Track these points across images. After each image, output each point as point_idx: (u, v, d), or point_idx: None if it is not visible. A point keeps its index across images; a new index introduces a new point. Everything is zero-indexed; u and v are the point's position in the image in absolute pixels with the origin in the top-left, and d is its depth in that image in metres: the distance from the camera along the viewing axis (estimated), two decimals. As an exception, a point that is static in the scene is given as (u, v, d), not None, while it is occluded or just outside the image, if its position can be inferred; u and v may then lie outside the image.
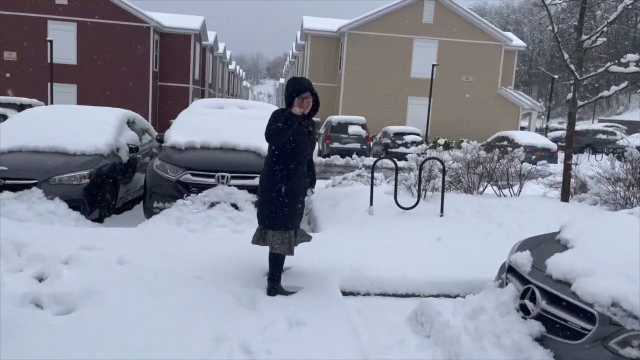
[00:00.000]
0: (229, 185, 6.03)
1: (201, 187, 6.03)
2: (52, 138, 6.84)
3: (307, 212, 8.03)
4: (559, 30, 7.19)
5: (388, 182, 10.01)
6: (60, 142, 6.77)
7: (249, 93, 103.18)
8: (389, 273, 4.64)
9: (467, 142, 8.76)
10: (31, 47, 27.22)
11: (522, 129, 32.36)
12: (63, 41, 27.23)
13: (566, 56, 7.40)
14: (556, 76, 31.23)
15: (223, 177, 6.06)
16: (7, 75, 27.43)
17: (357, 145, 20.19)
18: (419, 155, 8.24)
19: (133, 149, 7.62)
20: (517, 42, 31.80)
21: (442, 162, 7.49)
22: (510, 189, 8.72)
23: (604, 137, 29.53)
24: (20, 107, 17.98)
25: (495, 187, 8.73)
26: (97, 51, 27.93)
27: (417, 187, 8.10)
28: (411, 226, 6.73)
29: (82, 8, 27.55)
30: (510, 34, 31.82)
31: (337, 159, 19.20)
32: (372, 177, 7.49)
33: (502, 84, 30.11)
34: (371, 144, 21.44)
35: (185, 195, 5.97)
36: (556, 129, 35.76)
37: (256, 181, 5.97)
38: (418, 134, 21.31)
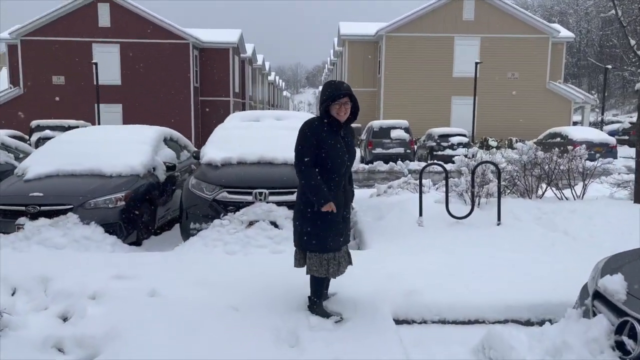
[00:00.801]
0: (267, 202, 5.68)
1: (239, 206, 5.70)
2: (88, 160, 6.70)
3: (352, 226, 7.59)
4: (622, 15, 6.49)
5: (437, 188, 9.44)
6: (97, 165, 6.62)
7: (289, 103, 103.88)
8: (446, 296, 4.13)
9: (522, 142, 8.09)
10: (78, 71, 28.08)
11: (575, 124, 30.79)
12: (107, 63, 27.98)
13: (633, 42, 6.67)
14: (609, 66, 29.53)
15: (261, 193, 5.71)
16: (57, 98, 28.40)
17: (401, 150, 19.58)
18: (469, 158, 7.65)
19: (170, 167, 7.40)
20: (564, 33, 30.34)
21: (496, 166, 6.88)
22: (573, 191, 7.98)
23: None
24: (68, 129, 18.41)
25: (555, 190, 8.02)
26: (140, 70, 28.54)
27: (469, 194, 7.52)
28: (466, 238, 6.16)
29: (124, 29, 28.24)
30: (556, 25, 30.41)
31: (380, 165, 18.66)
32: (420, 185, 6.97)
33: (551, 77, 28.74)
34: (415, 147, 20.77)
35: (222, 214, 5.66)
36: (611, 122, 33.82)
37: (295, 196, 5.61)
38: (464, 135, 20.49)
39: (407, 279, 4.45)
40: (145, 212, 6.66)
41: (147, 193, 6.73)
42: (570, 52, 64.38)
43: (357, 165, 19.17)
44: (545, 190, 7.93)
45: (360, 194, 9.95)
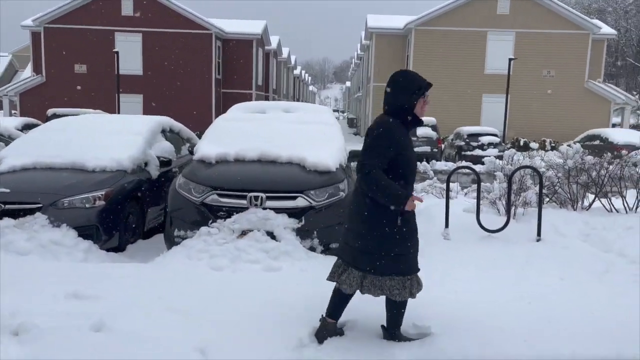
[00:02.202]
0: (264, 208, 4.80)
1: (231, 211, 4.85)
2: (71, 152, 5.94)
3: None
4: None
5: (466, 194, 8.43)
6: (79, 157, 5.85)
7: (315, 98, 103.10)
8: (477, 343, 3.19)
9: (568, 145, 7.04)
10: (100, 60, 27.71)
11: (614, 126, 29.09)
12: (129, 52, 27.52)
13: None
14: (653, 65, 27.71)
15: (257, 197, 4.83)
16: (78, 87, 28.10)
17: (427, 149, 18.51)
18: (506, 161, 6.65)
19: (165, 162, 6.61)
20: (605, 29, 28.61)
21: (538, 172, 5.87)
22: (625, 202, 6.89)
23: None
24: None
25: (604, 201, 6.94)
26: (161, 60, 28.01)
27: (504, 203, 6.52)
28: (501, 257, 5.20)
29: (147, 18, 27.74)
30: (597, 21, 28.70)
31: (405, 165, 17.61)
32: (448, 192, 6.00)
33: (590, 76, 27.12)
34: (443, 146, 19.66)
35: (210, 221, 4.81)
36: (652, 125, 31.92)
37: (299, 202, 4.72)
38: (496, 135, 19.29)
39: (424, 314, 3.53)
40: (132, 212, 5.88)
41: (135, 191, 5.94)
42: (608, 51, 61.68)
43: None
44: (594, 201, 6.86)
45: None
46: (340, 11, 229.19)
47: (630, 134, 19.58)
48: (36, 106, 26.68)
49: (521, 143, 25.93)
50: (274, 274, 4.30)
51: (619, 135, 18.82)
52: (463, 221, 6.31)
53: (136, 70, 28.13)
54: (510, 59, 23.36)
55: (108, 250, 5.33)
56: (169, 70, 28.07)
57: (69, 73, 28.06)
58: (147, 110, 27.27)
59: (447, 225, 5.96)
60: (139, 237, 6.06)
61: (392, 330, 3.23)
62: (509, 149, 9.63)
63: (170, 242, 4.95)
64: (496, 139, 18.92)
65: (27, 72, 31.03)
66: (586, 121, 25.18)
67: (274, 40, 37.09)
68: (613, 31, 30.22)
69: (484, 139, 18.73)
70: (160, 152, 6.75)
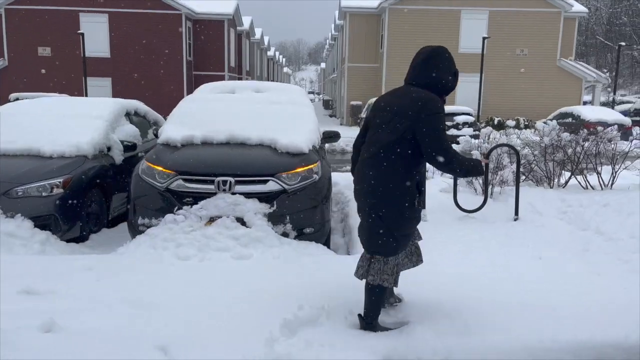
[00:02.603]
0: (233, 193, 4.56)
1: (198, 197, 4.59)
2: (26, 138, 5.57)
3: (341, 219, 6.50)
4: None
5: (442, 173, 8.31)
6: (35, 143, 5.49)
7: (290, 79, 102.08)
8: (478, 332, 3.03)
9: (544, 122, 6.94)
10: (64, 42, 26.70)
11: (585, 103, 29.44)
12: (96, 34, 26.54)
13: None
14: (623, 43, 28.06)
15: (225, 182, 4.58)
16: (43, 71, 27.07)
17: (403, 129, 18.36)
18: (484, 140, 6.52)
19: (130, 147, 6.28)
20: (577, 7, 28.75)
21: (516, 151, 5.75)
22: (600, 178, 6.85)
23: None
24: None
25: (579, 178, 6.89)
26: (130, 42, 27.13)
27: (481, 182, 6.41)
28: (479, 237, 5.07)
29: (113, -2, 26.79)
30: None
31: (380, 145, 17.49)
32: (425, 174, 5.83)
33: (562, 54, 27.29)
34: (418, 127, 19.55)
35: (176, 208, 4.54)
36: (622, 102, 32.41)
37: (270, 186, 4.49)
38: (470, 114, 19.24)
39: (405, 306, 3.37)
40: (94, 200, 5.57)
41: (97, 177, 5.61)
42: (578, 30, 62.26)
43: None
44: (570, 179, 6.80)
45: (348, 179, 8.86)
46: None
47: (601, 111, 19.80)
48: (-1, 91, 25.66)
49: (495, 122, 26.07)
50: (244, 262, 4.09)
51: (591, 113, 19.01)
52: (440, 202, 6.19)
53: (103, 52, 27.21)
54: (484, 38, 23.30)
55: (69, 241, 5.04)
56: (137, 52, 27.23)
57: (33, 56, 26.99)
58: (116, 94, 26.43)
59: (423, 207, 5.80)
60: (102, 226, 5.75)
61: (370, 320, 3.05)
62: (484, 127, 9.64)
63: (134, 231, 4.67)
64: (471, 118, 18.88)
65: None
66: (559, 99, 25.40)
67: (246, 21, 36.30)
68: (584, 9, 30.42)
69: (459, 119, 18.67)
70: (125, 136, 6.41)
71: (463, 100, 25.84)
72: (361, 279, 3.03)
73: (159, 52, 27.31)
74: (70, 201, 5.07)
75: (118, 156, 6.11)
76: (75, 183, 5.21)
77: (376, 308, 3.02)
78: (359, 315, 3.08)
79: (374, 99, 19.74)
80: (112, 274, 3.79)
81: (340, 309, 3.20)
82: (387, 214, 2.85)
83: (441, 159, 2.77)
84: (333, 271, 3.98)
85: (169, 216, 4.46)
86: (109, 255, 4.28)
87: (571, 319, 3.17)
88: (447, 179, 7.13)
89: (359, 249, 4.72)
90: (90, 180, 5.46)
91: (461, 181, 6.46)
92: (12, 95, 19.31)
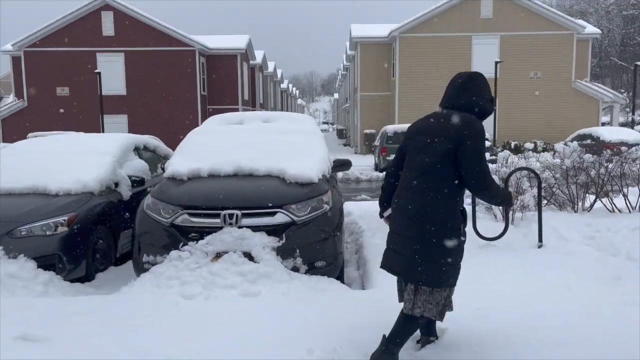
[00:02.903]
0: (240, 227, 4.37)
1: (204, 232, 4.41)
2: (32, 176, 5.49)
3: (355, 251, 6.25)
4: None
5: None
6: (41, 181, 5.40)
7: (304, 111, 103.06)
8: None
9: (564, 144, 6.68)
10: (82, 81, 27.28)
11: (603, 124, 28.96)
12: (112, 72, 27.12)
13: None
14: (639, 63, 27.72)
15: (231, 215, 4.40)
16: (61, 110, 27.62)
17: (419, 156, 18.11)
18: (501, 164, 6.27)
19: (138, 182, 6.17)
20: (590, 29, 28.61)
21: (536, 174, 5.49)
22: (627, 201, 6.52)
23: None
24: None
25: (605, 200, 6.57)
26: (145, 79, 27.64)
27: (501, 208, 6.13)
28: (502, 267, 4.78)
29: (129, 38, 27.39)
30: (581, 22, 28.71)
31: (395, 173, 17.23)
32: (440, 200, 5.58)
33: (577, 76, 27.01)
34: (433, 153, 19.29)
35: (181, 244, 4.36)
36: (641, 123, 31.84)
37: (278, 218, 4.30)
38: (487, 139, 18.97)
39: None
40: (100, 238, 5.42)
41: (104, 214, 5.49)
42: (592, 52, 61.90)
43: (370, 173, 17.82)
44: (595, 202, 6.49)
45: (372, 208, 8.61)
46: (324, 25, 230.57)
47: (621, 131, 19.36)
48: (18, 131, 26.12)
49: (512, 146, 25.72)
50: (251, 300, 3.86)
51: (610, 134, 18.59)
52: (458, 230, 5.91)
53: (119, 90, 27.71)
54: (496, 62, 23.21)
55: (74, 280, 4.87)
56: (153, 88, 27.68)
57: (51, 96, 27.59)
58: (133, 130, 26.78)
59: (441, 235, 5.55)
60: (110, 264, 5.59)
61: (392, 347, 2.80)
62: (501, 151, 9.36)
63: (139, 269, 4.50)
64: (488, 143, 18.62)
65: (10, 98, 30.53)
66: (575, 121, 25.01)
67: (258, 55, 36.85)
68: (597, 30, 30.27)
69: (475, 144, 18.41)
70: (133, 171, 6.31)
71: (478, 125, 25.59)
72: (410, 313, 2.82)
73: (173, 88, 27.74)
74: (75, 239, 4.93)
75: (126, 192, 6.00)
76: (81, 220, 5.08)
77: (405, 337, 2.84)
78: (384, 335, 2.85)
79: (387, 127, 19.64)
80: (113, 318, 3.60)
81: (354, 352, 2.95)
82: (432, 240, 2.74)
83: (480, 182, 2.73)
84: (347, 308, 3.73)
85: (173, 253, 4.28)
86: (111, 297, 4.10)
87: (608, 356, 2.87)
88: (464, 206, 6.86)
89: (375, 283, 4.48)
90: (96, 217, 5.34)
91: (480, 207, 6.20)
92: (30, 135, 19.60)
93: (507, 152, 6.87)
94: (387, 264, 2.94)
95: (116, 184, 5.93)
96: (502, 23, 26.34)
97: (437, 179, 2.73)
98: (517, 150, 25.13)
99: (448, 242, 2.73)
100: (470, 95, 2.84)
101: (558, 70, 26.59)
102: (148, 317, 3.58)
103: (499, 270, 4.72)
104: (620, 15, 66.73)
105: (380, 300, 3.86)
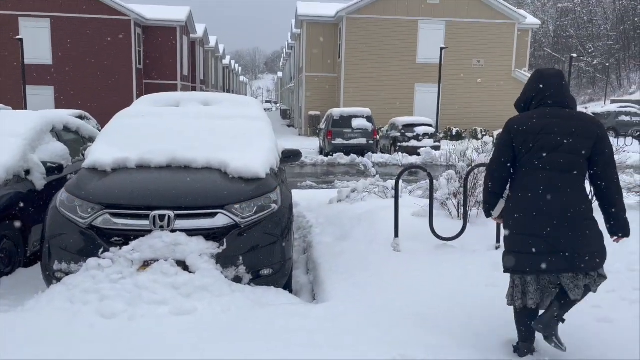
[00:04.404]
0: (173, 231, 3.74)
1: (129, 236, 3.74)
2: None
3: (304, 250, 5.75)
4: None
5: (411, 192, 7.72)
6: None
7: (247, 88, 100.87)
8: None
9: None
10: (2, 48, 24.92)
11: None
12: (36, 39, 24.96)
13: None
14: (574, 55, 28.73)
15: (162, 217, 3.75)
16: (-22, 79, 25.17)
17: (363, 141, 17.85)
18: (438, 150, 5.94)
19: (54, 169, 5.34)
20: (530, 20, 29.28)
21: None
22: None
23: (627, 119, 27.18)
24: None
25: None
26: (74, 49, 25.61)
27: (458, 206, 5.84)
28: (461, 272, 4.44)
29: (56, 2, 25.20)
30: (523, 12, 29.31)
31: (340, 157, 16.89)
32: (397, 199, 5.18)
33: (516, 65, 27.65)
34: (378, 137, 19.09)
35: (101, 250, 3.68)
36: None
37: (218, 220, 3.72)
38: (430, 125, 18.95)
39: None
40: (5, 235, 4.61)
41: (10, 207, 4.67)
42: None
43: (315, 157, 17.36)
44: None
45: (318, 198, 8.14)
46: (270, 0, 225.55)
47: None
48: None
49: (454, 132, 26.05)
50: (185, 319, 3.27)
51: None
52: (413, 227, 5.54)
53: (45, 59, 25.57)
54: (441, 48, 23.21)
55: (-31, 288, 4.08)
56: (83, 59, 25.75)
57: (-34, 63, 25.08)
58: (60, 103, 24.88)
59: (396, 235, 5.16)
60: (18, 266, 4.79)
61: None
62: (442, 138, 9.18)
63: (49, 279, 3.77)
64: (431, 129, 18.59)
65: None
66: (514, 109, 25.56)
67: (199, 28, 35.21)
68: (537, 21, 31.06)
69: (419, 130, 18.35)
70: (49, 156, 5.48)
71: (421, 111, 25.73)
72: (581, 299, 2.94)
73: (106, 59, 25.91)
74: (-29, 239, 4.12)
75: (39, 180, 5.17)
76: (-20, 216, 4.26)
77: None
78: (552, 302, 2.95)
79: (333, 110, 19.17)
80: (12, 344, 2.91)
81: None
82: (592, 231, 2.86)
83: (616, 178, 2.87)
84: (297, 326, 3.24)
85: (91, 261, 3.59)
86: (10, 315, 3.37)
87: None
88: (418, 200, 6.53)
89: (328, 294, 3.99)
90: (2, 210, 4.52)
91: (435, 203, 5.86)
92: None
93: (467, 141, 6.55)
94: (535, 267, 2.86)
95: (27, 172, 5.09)
96: (448, 9, 26.39)
97: (580, 176, 2.85)
98: (459, 136, 25.48)
99: (598, 229, 2.88)
100: (569, 92, 3.00)
101: (499, 59, 27.08)
102: (55, 343, 2.92)
103: (458, 276, 4.37)
104: (555, 7, 69.44)
105: (336, 317, 3.39)
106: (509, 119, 3.04)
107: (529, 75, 21.35)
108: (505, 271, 3.01)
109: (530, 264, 2.85)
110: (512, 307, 3.08)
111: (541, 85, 2.97)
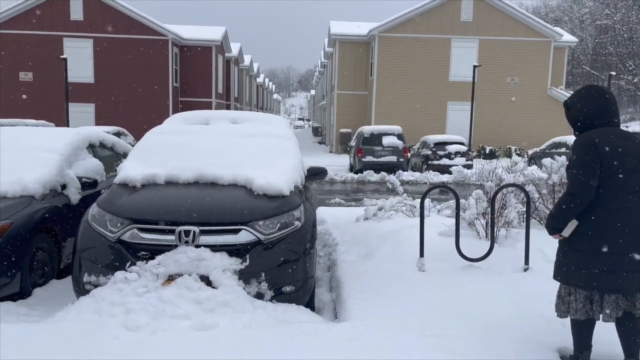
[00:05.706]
0: (197, 246, 3.82)
1: (155, 250, 3.84)
2: (-36, 176, 4.81)
3: (328, 267, 5.76)
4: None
5: (439, 211, 7.64)
6: (-26, 182, 4.73)
7: (280, 106, 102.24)
8: None
9: (552, 158, 6.32)
10: (47, 67, 26.05)
11: (576, 132, 29.16)
12: (79, 59, 26.00)
13: None
14: (613, 73, 28.03)
15: (187, 232, 3.84)
16: (24, 97, 26.34)
17: (393, 159, 17.79)
18: (470, 169, 5.87)
19: (89, 184, 5.54)
20: (567, 37, 28.80)
21: (526, 193, 5.10)
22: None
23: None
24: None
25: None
26: (114, 68, 26.57)
27: (486, 226, 5.74)
28: (486, 294, 4.36)
29: (98, 23, 26.28)
30: (559, 29, 28.88)
31: (370, 175, 16.86)
32: (422, 218, 5.15)
33: (552, 83, 27.15)
34: (408, 155, 19.00)
35: (128, 264, 3.79)
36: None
37: (242, 236, 3.77)
38: (462, 143, 18.74)
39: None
40: (40, 248, 4.79)
41: (47, 221, 4.86)
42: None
43: (345, 174, 17.38)
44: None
45: (346, 215, 8.14)
46: (304, 20, 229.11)
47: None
48: (-23, 117, 24.80)
49: (487, 151, 25.67)
50: (207, 334, 3.32)
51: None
52: (439, 247, 5.48)
53: (87, 78, 26.59)
54: (474, 66, 23.04)
55: (5, 298, 4.25)
56: (123, 78, 26.65)
57: (14, 81, 26.27)
58: (100, 120, 25.76)
59: (421, 254, 5.11)
60: (52, 277, 4.97)
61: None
62: (475, 157, 9.07)
63: (79, 291, 3.90)
64: (463, 148, 18.38)
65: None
66: (550, 128, 25.11)
67: (234, 47, 36.02)
68: (574, 38, 30.50)
69: (451, 148, 18.17)
70: (84, 171, 5.68)
71: (454, 129, 25.49)
72: None
73: (144, 78, 26.76)
74: (7, 250, 4.30)
75: (74, 195, 5.37)
76: (17, 229, 4.44)
77: None
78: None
79: (363, 127, 19.21)
80: (40, 354, 3.02)
81: None
82: None
83: None
84: (315, 345, 3.24)
85: (119, 274, 3.70)
86: (38, 325, 3.50)
87: None
88: (446, 220, 6.45)
89: (350, 313, 3.98)
90: (36, 224, 4.70)
91: (463, 223, 5.79)
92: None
93: (496, 161, 6.46)
94: (626, 286, 2.92)
95: (63, 186, 5.29)
96: (481, 27, 26.25)
97: None
98: (492, 155, 25.10)
99: None
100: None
101: (534, 77, 26.67)
102: (78, 354, 3.01)
103: (483, 299, 4.29)
104: (593, 25, 68.08)
105: (355, 337, 3.37)
106: (589, 137, 2.91)
107: (566, 93, 20.85)
108: (568, 285, 3.10)
109: (619, 283, 2.91)
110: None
111: (608, 103, 2.99)
